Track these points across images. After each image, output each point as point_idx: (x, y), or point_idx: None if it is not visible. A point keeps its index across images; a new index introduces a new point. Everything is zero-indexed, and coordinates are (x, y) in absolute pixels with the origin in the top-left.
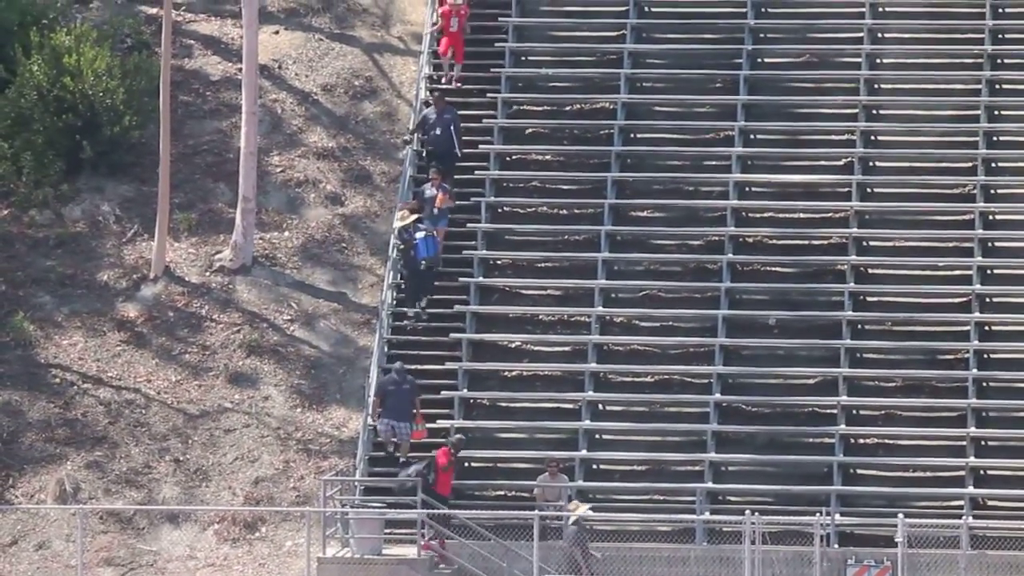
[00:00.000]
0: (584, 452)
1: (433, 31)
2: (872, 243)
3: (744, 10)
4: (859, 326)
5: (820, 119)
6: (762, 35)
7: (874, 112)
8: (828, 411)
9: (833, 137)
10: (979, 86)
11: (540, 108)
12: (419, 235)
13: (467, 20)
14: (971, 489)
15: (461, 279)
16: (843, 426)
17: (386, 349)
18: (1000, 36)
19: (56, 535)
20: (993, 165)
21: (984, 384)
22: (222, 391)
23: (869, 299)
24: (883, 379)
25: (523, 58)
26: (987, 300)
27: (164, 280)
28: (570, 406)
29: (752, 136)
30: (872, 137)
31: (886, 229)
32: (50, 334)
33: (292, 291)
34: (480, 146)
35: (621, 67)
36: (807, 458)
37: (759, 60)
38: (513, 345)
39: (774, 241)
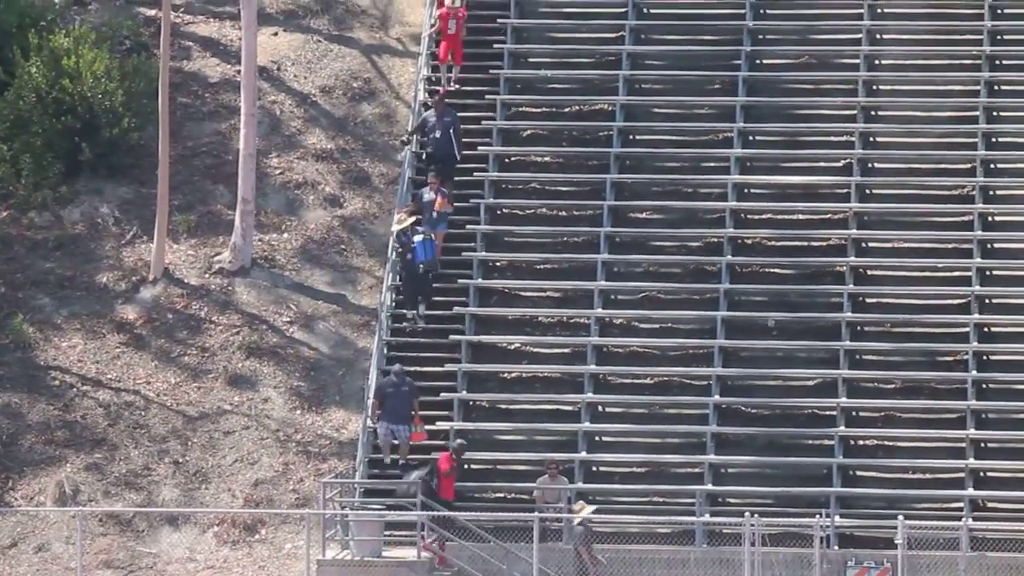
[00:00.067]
0: (583, 454)
1: (431, 33)
2: (871, 244)
3: (743, 12)
4: (858, 327)
5: (819, 120)
6: (761, 36)
7: (873, 113)
8: (827, 413)
9: (832, 138)
10: (978, 87)
11: (539, 110)
12: (417, 238)
13: (465, 22)
14: (971, 491)
15: (460, 281)
16: (843, 428)
17: (385, 351)
18: (999, 37)
19: (56, 537)
20: (992, 166)
21: (983, 386)
22: (221, 393)
23: (868, 300)
24: (882, 381)
25: (522, 60)
26: (986, 301)
27: (163, 282)
28: (569, 408)
29: (751, 137)
30: (871, 138)
31: (885, 230)
32: (49, 336)
33: (291, 293)
34: (479, 148)
35: (620, 69)
36: (807, 460)
37: (758, 62)
38: (512, 347)
39: (773, 243)
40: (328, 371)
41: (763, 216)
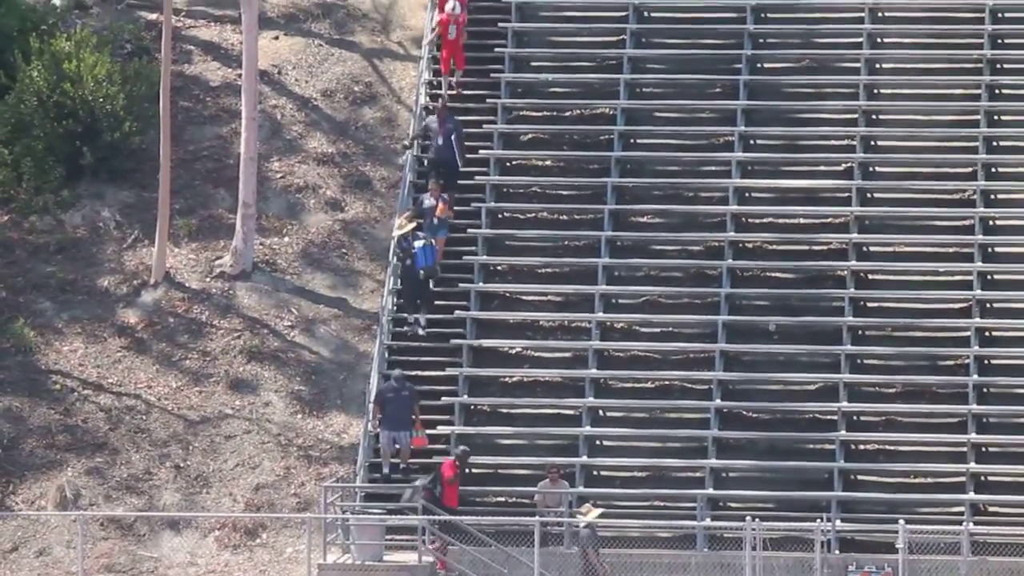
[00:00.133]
0: (584, 458)
1: (432, 38)
2: (872, 248)
3: (744, 15)
4: (859, 332)
5: (820, 124)
6: (762, 40)
7: (874, 117)
8: (829, 417)
9: (833, 142)
10: (979, 91)
11: (540, 114)
12: (418, 244)
13: (465, 27)
14: (972, 495)
15: (461, 285)
16: (844, 432)
17: (386, 355)
18: (1000, 41)
19: (57, 542)
20: (993, 170)
21: (985, 390)
22: (222, 397)
23: (869, 304)
24: (883, 385)
25: (523, 64)
26: (987, 305)
27: (164, 286)
28: (570, 412)
29: (752, 141)
30: (872, 142)
31: (886, 234)
32: (50, 340)
33: (292, 297)
34: (480, 151)
35: (621, 72)
36: (808, 464)
37: (759, 65)
38: (513, 351)
39: (774, 247)
40: (329, 375)
41: (764, 220)
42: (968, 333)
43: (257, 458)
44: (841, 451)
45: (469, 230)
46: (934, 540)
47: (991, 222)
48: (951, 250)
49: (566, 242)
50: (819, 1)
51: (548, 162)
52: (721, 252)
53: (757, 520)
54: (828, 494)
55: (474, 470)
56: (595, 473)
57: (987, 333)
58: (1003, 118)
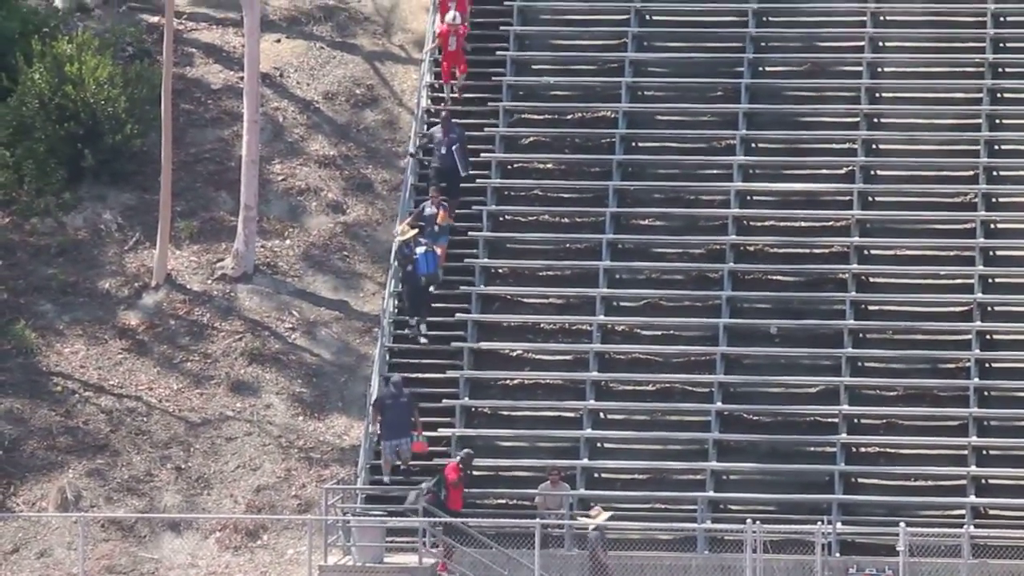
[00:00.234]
0: (585, 461)
1: (433, 47)
2: (873, 252)
3: (745, 19)
4: (860, 335)
5: (821, 128)
6: (763, 44)
7: (875, 121)
8: (830, 420)
9: (834, 146)
10: (980, 95)
11: (541, 117)
12: (419, 250)
13: (465, 38)
14: (972, 498)
15: (462, 288)
16: (844, 435)
17: (387, 357)
18: (1001, 45)
19: (58, 543)
20: (994, 174)
21: (985, 393)
22: (224, 399)
23: (870, 308)
24: (884, 388)
25: (524, 67)
26: (988, 309)
27: (166, 288)
28: (571, 415)
29: (753, 145)
30: (873, 146)
31: (887, 238)
32: (51, 342)
33: (293, 299)
34: (482, 154)
35: (622, 76)
36: (809, 467)
37: (760, 69)
38: (514, 354)
39: (775, 250)
40: (330, 377)
41: (765, 223)
42: (969, 336)
43: (258, 460)
44: (842, 454)
45: (470, 233)
46: (935, 543)
47: (992, 225)
48: (952, 253)
49: (567, 245)
50: (821, 5)
51: (549, 165)
52: (722, 255)
53: (758, 522)
54: (829, 497)
55: (475, 472)
56: (596, 475)
57: (988, 336)
58: (1004, 122)
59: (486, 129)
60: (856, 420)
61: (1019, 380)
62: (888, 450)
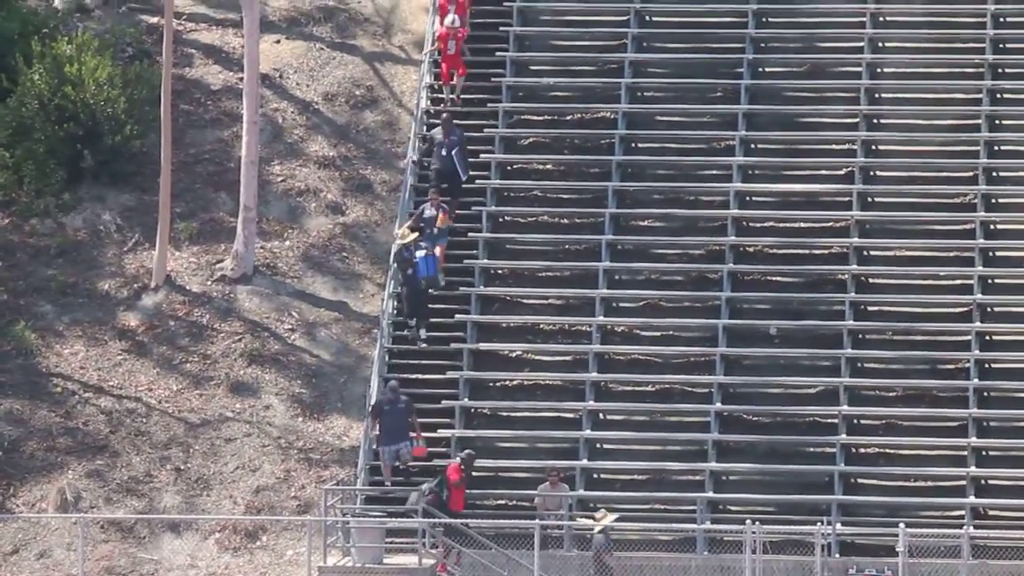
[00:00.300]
0: (585, 461)
1: (432, 51)
2: (873, 252)
3: (745, 20)
4: (860, 336)
5: (821, 128)
6: (763, 45)
7: (875, 121)
8: (829, 420)
9: (834, 146)
10: (980, 95)
11: (541, 118)
12: (419, 254)
13: (465, 41)
14: (972, 499)
15: (462, 288)
16: (844, 435)
17: (387, 358)
18: (1001, 46)
19: (57, 544)
20: (994, 174)
21: (985, 394)
22: (223, 400)
23: (870, 308)
24: (884, 389)
25: (524, 68)
26: (988, 310)
27: (165, 289)
28: (571, 415)
29: (753, 145)
30: (873, 146)
31: (887, 238)
32: (51, 343)
33: (293, 300)
34: (481, 155)
35: (622, 76)
36: (808, 467)
37: (760, 70)
38: (514, 354)
39: (775, 250)
40: (330, 378)
41: (765, 224)
42: (968, 337)
43: (257, 461)
44: (841, 455)
45: (470, 234)
46: (934, 544)
47: (992, 226)
48: (952, 254)
49: (567, 246)
50: (821, 6)
51: (549, 166)
52: (722, 256)
53: (757, 523)
54: (828, 497)
55: (475, 473)
56: (595, 476)
57: (987, 337)
58: (1004, 122)
59: (485, 130)
60: (856, 421)
61: (1019, 381)
62: (888, 451)
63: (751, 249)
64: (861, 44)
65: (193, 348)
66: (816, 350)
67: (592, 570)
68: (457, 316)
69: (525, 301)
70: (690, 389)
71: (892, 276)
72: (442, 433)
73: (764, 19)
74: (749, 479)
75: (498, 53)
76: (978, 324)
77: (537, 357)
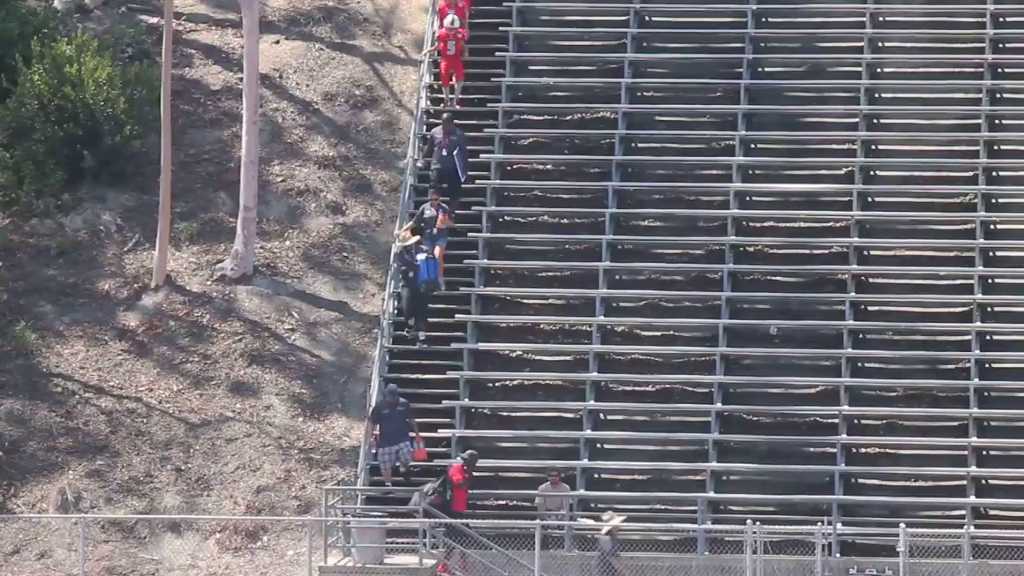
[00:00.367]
0: (585, 461)
1: (431, 51)
2: (873, 252)
3: (745, 20)
4: (860, 335)
5: (821, 128)
6: (763, 44)
7: (875, 121)
8: (830, 420)
9: (834, 146)
10: (980, 95)
11: (541, 118)
12: (420, 257)
13: (464, 42)
14: (973, 499)
15: (462, 288)
16: (844, 435)
17: (387, 358)
18: (1001, 45)
19: (58, 544)
20: (994, 174)
21: (986, 394)
22: (223, 400)
23: (870, 308)
24: (884, 388)
25: (524, 68)
26: (988, 309)
27: (165, 289)
28: (571, 415)
29: (753, 145)
30: (873, 146)
31: (887, 238)
32: (51, 343)
33: (293, 300)
34: (481, 155)
35: (622, 76)
36: (809, 467)
37: (760, 69)
38: (514, 354)
39: (775, 250)
40: (330, 378)
41: (765, 224)
42: (969, 337)
43: (258, 461)
44: (842, 455)
45: (470, 234)
46: (935, 544)
47: (992, 226)
48: (952, 254)
49: (567, 246)
50: (820, 5)
51: (549, 166)
52: (722, 256)
53: (758, 523)
54: (829, 497)
55: (475, 473)
56: (596, 476)
57: (988, 337)
58: (1004, 122)
59: (485, 130)
60: (856, 421)
61: (1019, 380)
62: (888, 451)
63: (751, 249)
64: (861, 44)
65: (193, 348)
66: (816, 350)
67: (597, 572)
68: (457, 316)
69: (525, 301)
70: (690, 389)
71: (892, 276)
72: (442, 433)
73: (764, 19)
74: (750, 479)
75: (498, 53)
76: (978, 324)
77: (537, 357)
